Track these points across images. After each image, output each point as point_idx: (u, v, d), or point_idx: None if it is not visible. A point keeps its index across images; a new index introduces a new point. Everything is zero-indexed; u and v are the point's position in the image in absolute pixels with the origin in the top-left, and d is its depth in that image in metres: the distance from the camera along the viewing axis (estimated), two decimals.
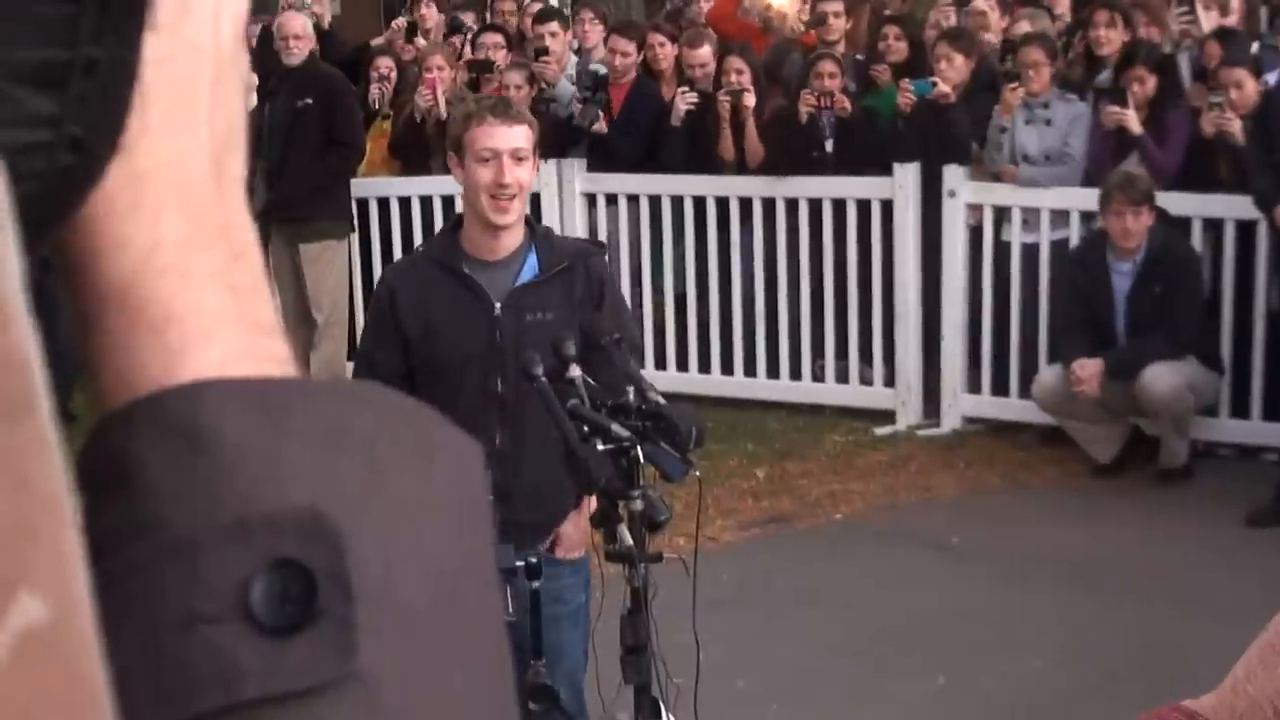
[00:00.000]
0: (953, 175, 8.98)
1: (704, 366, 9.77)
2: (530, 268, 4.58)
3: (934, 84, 9.01)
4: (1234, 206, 8.24)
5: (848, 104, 9.21)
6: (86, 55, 0.55)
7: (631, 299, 9.08)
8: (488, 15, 12.15)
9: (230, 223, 0.63)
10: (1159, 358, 7.94)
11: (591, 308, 4.52)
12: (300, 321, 9.41)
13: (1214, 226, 8.46)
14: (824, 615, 6.65)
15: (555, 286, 4.53)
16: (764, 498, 8.18)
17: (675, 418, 3.86)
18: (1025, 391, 8.72)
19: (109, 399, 0.59)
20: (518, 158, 4.53)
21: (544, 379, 4.00)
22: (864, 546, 7.51)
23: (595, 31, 10.61)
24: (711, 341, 9.76)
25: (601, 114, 9.60)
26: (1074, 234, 8.76)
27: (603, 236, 9.40)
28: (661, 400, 3.93)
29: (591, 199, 9.87)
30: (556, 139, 9.26)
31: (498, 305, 4.51)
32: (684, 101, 9.52)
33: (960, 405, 9.16)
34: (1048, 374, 8.44)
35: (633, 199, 9.85)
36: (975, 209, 9.05)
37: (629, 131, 9.74)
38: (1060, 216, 8.85)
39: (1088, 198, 8.45)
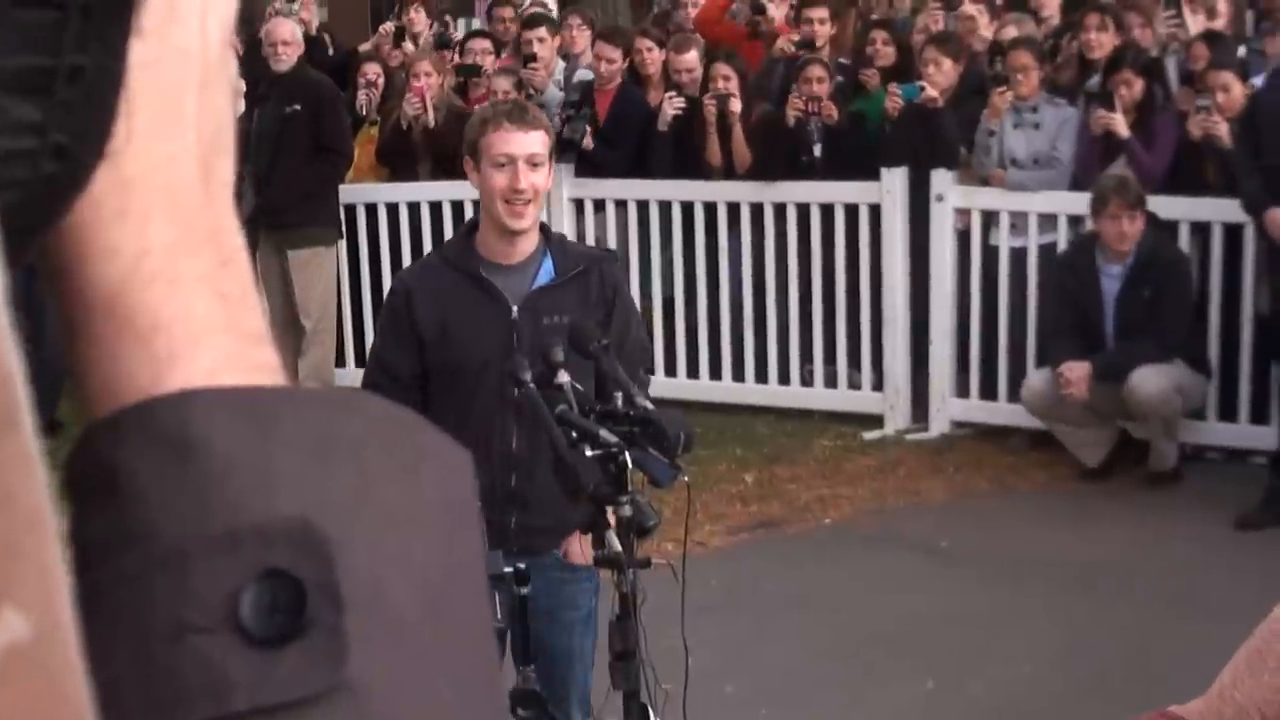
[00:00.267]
0: (940, 180, 8.99)
1: (692, 371, 9.77)
2: (546, 272, 4.59)
3: (922, 88, 9.02)
4: (1221, 210, 8.25)
5: (835, 111, 9.22)
6: (71, 62, 0.55)
7: None
8: (476, 21, 12.17)
9: (218, 227, 0.62)
10: (1147, 360, 7.96)
11: (603, 313, 4.53)
12: (288, 328, 9.41)
13: (1201, 230, 8.48)
14: (813, 620, 6.65)
15: (571, 290, 4.55)
16: (753, 503, 8.17)
17: (664, 423, 3.86)
18: (1014, 395, 8.73)
19: (96, 407, 0.59)
20: (533, 163, 4.54)
21: (532, 385, 4.00)
22: (853, 551, 7.51)
23: (582, 37, 10.60)
24: (700, 346, 9.76)
25: (588, 128, 9.58)
26: (1062, 238, 8.77)
27: (590, 242, 9.39)
28: (650, 405, 3.93)
29: (580, 205, 9.87)
30: None
31: (515, 308, 4.51)
32: (671, 107, 9.52)
33: (949, 409, 9.17)
34: (1036, 378, 8.45)
35: (621, 204, 9.85)
36: (963, 213, 9.06)
37: (616, 139, 9.73)
38: (1048, 220, 8.86)
39: (1076, 202, 8.47)
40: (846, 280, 9.36)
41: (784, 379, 9.61)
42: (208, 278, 0.61)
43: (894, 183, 9.08)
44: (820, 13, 10.03)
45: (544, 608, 4.44)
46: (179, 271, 0.60)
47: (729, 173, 9.57)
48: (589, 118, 9.64)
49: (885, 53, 9.78)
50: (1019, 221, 8.94)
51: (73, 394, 0.61)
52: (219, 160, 0.64)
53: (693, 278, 9.73)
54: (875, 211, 9.19)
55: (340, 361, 10.00)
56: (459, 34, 12.68)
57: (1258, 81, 8.34)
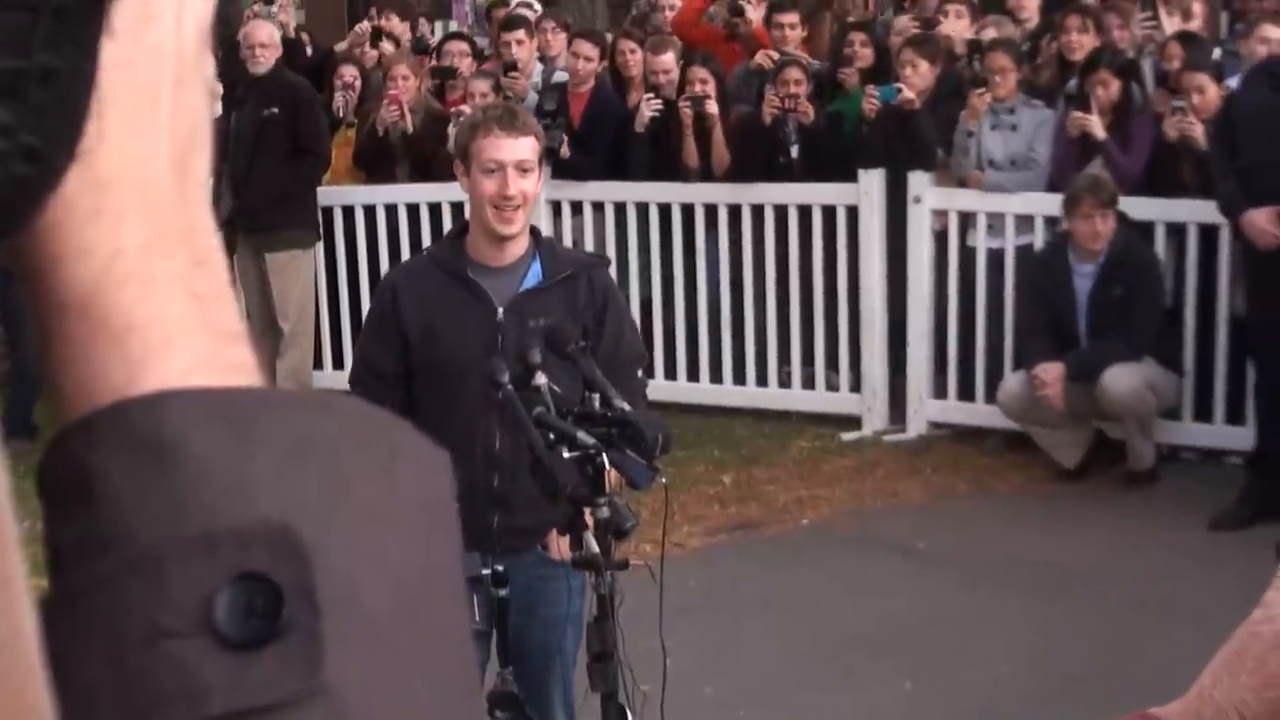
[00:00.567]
0: (918, 181, 9.00)
1: (670, 373, 9.76)
2: (534, 275, 4.60)
3: (899, 90, 9.03)
4: (1197, 211, 8.27)
5: (810, 111, 9.23)
6: (43, 64, 0.54)
7: None
8: (453, 24, 12.14)
9: (193, 228, 0.62)
10: (1118, 359, 7.98)
11: (592, 318, 4.54)
12: (266, 330, 9.38)
13: (1177, 231, 8.50)
14: (791, 621, 6.66)
15: (558, 294, 4.56)
16: (731, 504, 8.18)
17: (641, 424, 3.86)
18: (991, 397, 8.74)
19: (70, 409, 0.58)
20: (523, 169, 4.55)
21: (510, 386, 4.00)
22: (831, 552, 7.51)
23: (558, 41, 10.58)
24: (678, 348, 9.76)
25: (565, 137, 9.55)
26: (1039, 239, 8.78)
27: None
28: (627, 407, 3.93)
29: (557, 207, 9.86)
30: None
31: (500, 310, 4.52)
32: (648, 108, 9.52)
33: (926, 411, 9.18)
34: (1012, 380, 8.46)
35: (598, 206, 9.84)
36: (940, 214, 9.07)
37: (590, 141, 9.71)
38: (1025, 222, 8.87)
39: (1053, 203, 8.48)
40: (824, 281, 9.37)
41: (762, 380, 9.61)
42: (182, 278, 0.60)
43: (871, 184, 9.09)
44: (791, 18, 10.04)
45: (526, 604, 4.45)
46: (153, 272, 0.60)
47: (706, 174, 9.57)
48: (564, 126, 9.62)
49: (863, 54, 9.77)
50: (996, 223, 8.96)
51: (47, 397, 0.60)
52: (194, 160, 0.63)
53: (670, 279, 9.73)
54: (853, 213, 9.19)
55: (318, 364, 9.97)
56: (435, 38, 12.66)
57: (1233, 83, 8.36)
